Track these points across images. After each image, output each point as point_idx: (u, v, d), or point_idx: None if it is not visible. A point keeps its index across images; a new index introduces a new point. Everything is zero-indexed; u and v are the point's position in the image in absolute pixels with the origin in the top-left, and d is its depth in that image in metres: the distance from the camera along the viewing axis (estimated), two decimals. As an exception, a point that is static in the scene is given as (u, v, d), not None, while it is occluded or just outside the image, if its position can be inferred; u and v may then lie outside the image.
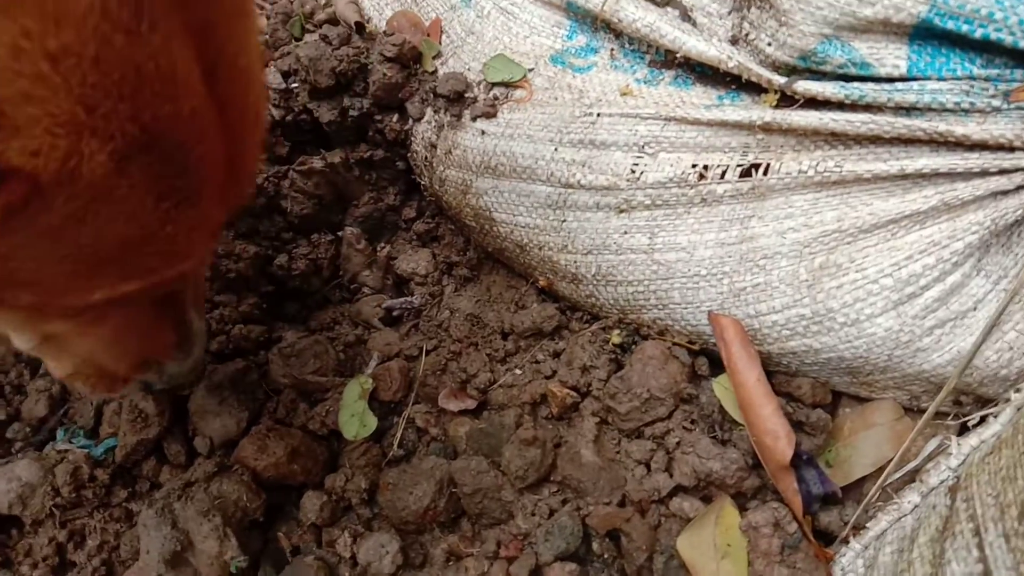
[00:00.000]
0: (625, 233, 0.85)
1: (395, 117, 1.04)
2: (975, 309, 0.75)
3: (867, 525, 0.76)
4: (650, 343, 0.83)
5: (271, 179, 1.11)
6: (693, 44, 0.84)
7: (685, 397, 0.81)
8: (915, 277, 0.74)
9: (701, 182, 0.81)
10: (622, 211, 0.85)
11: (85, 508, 0.89)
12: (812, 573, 0.72)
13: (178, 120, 0.42)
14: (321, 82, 1.03)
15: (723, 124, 0.81)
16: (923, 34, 0.73)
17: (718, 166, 0.81)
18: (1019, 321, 0.74)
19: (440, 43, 1.03)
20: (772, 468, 0.75)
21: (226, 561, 0.80)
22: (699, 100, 0.86)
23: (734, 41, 0.86)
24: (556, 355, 0.91)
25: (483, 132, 0.93)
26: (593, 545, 0.78)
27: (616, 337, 0.86)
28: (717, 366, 0.84)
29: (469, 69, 0.99)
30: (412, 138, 1.03)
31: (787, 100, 0.82)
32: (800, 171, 0.78)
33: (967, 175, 0.73)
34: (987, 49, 0.71)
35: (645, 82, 0.90)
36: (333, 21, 1.17)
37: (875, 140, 0.77)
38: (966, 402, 0.79)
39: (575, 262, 0.88)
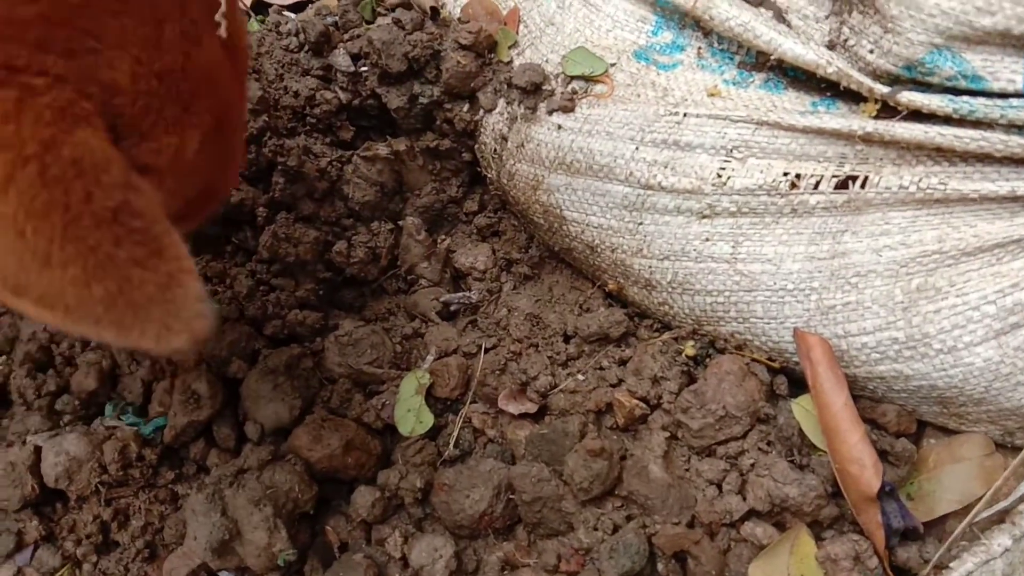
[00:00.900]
0: (707, 240, 0.81)
1: (465, 107, 1.01)
2: (1084, 344, 0.70)
3: (950, 565, 0.72)
4: (727, 357, 0.80)
5: (334, 163, 1.08)
6: (790, 46, 0.80)
7: (762, 417, 0.77)
8: (1020, 306, 0.70)
9: (793, 191, 0.77)
10: (704, 217, 0.81)
11: (131, 487, 0.88)
12: (892, 613, 0.68)
13: (229, 102, 0.54)
14: (392, 67, 1.00)
15: (819, 132, 0.77)
16: (1047, 48, 0.69)
17: (812, 176, 0.77)
18: None
19: (517, 33, 1.00)
20: (855, 499, 0.71)
21: (274, 553, 0.78)
22: (791, 106, 0.82)
23: (831, 46, 0.82)
24: (622, 363, 0.87)
25: (559, 127, 0.90)
26: (658, 566, 0.74)
27: (690, 349, 0.82)
28: (797, 386, 0.80)
29: (547, 61, 0.95)
30: (481, 129, 1.00)
31: (888, 111, 0.78)
32: (900, 186, 0.74)
33: (1086, 201, 0.68)
34: (1120, 67, 0.66)
35: (734, 84, 0.86)
36: (406, 5, 1.14)
37: (984, 158, 0.72)
38: (1064, 442, 0.75)
39: (650, 267, 0.85)
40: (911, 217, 0.75)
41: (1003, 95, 0.72)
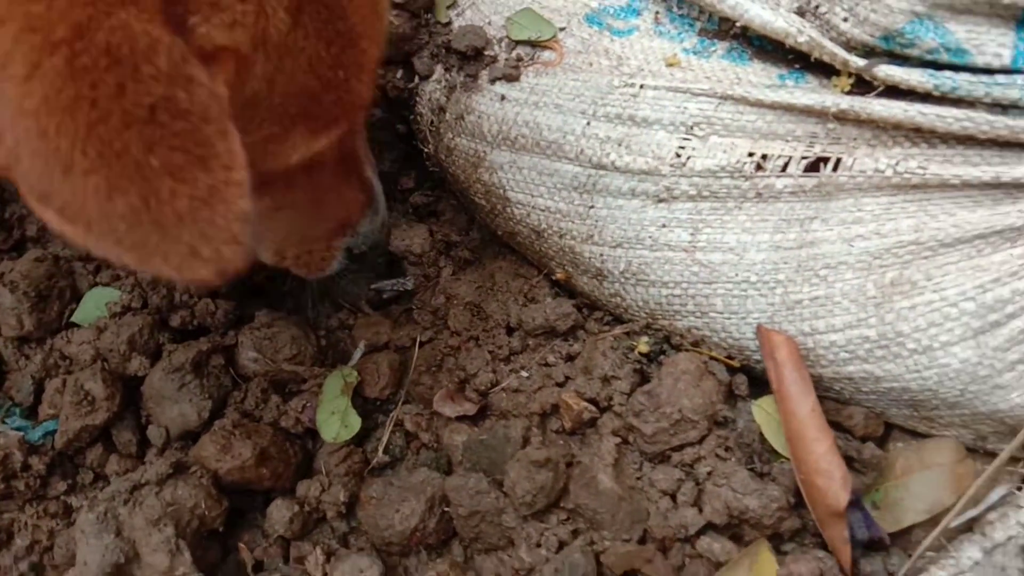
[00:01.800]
0: (663, 226, 0.73)
1: (399, 73, 0.91)
2: (1066, 344, 0.65)
3: (918, 580, 0.67)
4: (683, 355, 0.73)
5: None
6: (757, 12, 0.72)
7: (720, 420, 0.70)
8: (1001, 303, 0.64)
9: (758, 173, 0.70)
10: (661, 200, 0.73)
11: (16, 501, 0.77)
12: (858, 635, 0.62)
13: None
14: (317, 26, 0.89)
15: (789, 108, 0.70)
16: (1038, 20, 0.62)
17: (779, 156, 0.70)
18: (1116, 362, 0.64)
19: (457, -9, 0.90)
20: (820, 512, 0.65)
21: (177, 578, 0.69)
22: (757, 79, 0.75)
23: (801, 13, 0.75)
24: (570, 359, 0.80)
25: (503, 97, 0.81)
26: (607, 587, 0.68)
27: (644, 345, 0.75)
28: (757, 386, 0.73)
29: (489, 23, 0.86)
30: (417, 98, 0.90)
31: (861, 86, 0.71)
32: (876, 170, 0.68)
33: (1075, 189, 0.63)
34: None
35: (694, 53, 0.78)
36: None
37: (966, 140, 0.66)
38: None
39: (601, 255, 0.77)
40: (886, 204, 0.69)
41: (988, 71, 0.66)
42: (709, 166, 0.71)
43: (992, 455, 0.70)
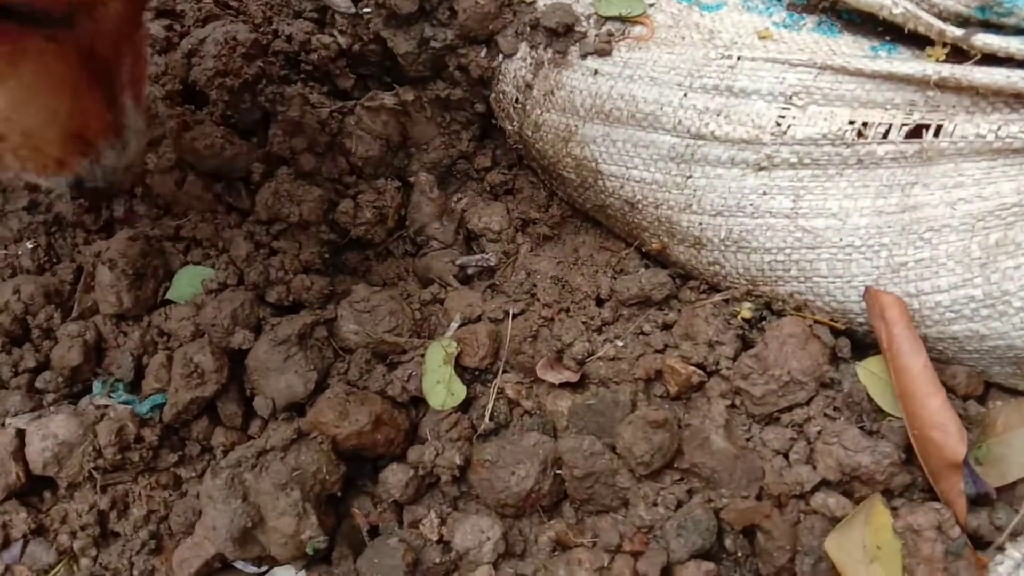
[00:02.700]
0: (764, 194, 0.75)
1: (483, 52, 0.93)
2: None
3: (1024, 532, 0.69)
4: (788, 319, 0.75)
5: (335, 115, 0.99)
6: (852, -15, 0.74)
7: (826, 382, 0.72)
8: (1105, 260, 0.66)
9: (859, 140, 0.72)
10: (762, 168, 0.75)
11: (129, 472, 0.79)
12: (974, 583, 0.64)
13: None
14: (402, 7, 0.91)
15: (889, 77, 0.72)
16: None
17: (879, 124, 0.72)
18: None
19: (540, -29, 0.92)
20: (935, 465, 0.67)
21: (303, 540, 0.71)
22: (850, 50, 0.77)
23: (891, -14, 0.76)
24: (666, 327, 0.81)
25: (596, 72, 0.83)
26: (726, 542, 0.70)
27: (746, 311, 0.77)
28: (858, 349, 0.75)
29: (576, 1, 0.88)
30: (500, 76, 0.92)
31: (956, 55, 0.73)
32: (977, 135, 0.70)
33: None
34: None
35: (784, 26, 0.80)
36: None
37: (1067, 104, 0.68)
38: None
39: (700, 224, 0.79)
40: (985, 168, 0.70)
41: (1087, 37, 0.68)
42: (811, 134, 0.73)
43: (1090, 411, 0.73)
